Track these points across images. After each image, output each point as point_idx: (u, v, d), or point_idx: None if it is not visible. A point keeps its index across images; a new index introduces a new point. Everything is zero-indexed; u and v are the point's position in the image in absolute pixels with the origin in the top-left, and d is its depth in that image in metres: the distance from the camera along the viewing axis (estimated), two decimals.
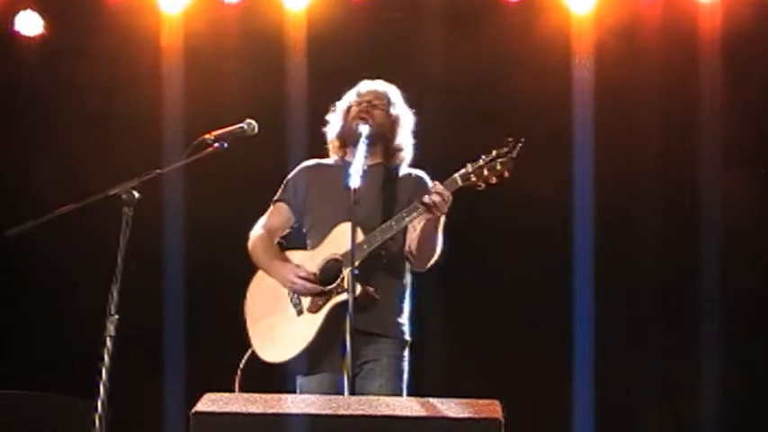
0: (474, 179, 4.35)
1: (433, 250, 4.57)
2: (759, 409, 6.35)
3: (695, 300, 6.35)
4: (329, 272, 4.53)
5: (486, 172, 4.33)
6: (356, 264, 4.27)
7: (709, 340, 6.29)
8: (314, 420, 3.46)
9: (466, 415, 3.46)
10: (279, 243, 4.78)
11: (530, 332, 6.37)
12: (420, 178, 4.73)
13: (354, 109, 4.72)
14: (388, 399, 3.75)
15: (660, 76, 6.43)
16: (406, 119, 4.81)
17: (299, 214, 4.78)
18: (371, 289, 4.45)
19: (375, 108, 4.72)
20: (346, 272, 4.39)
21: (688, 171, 6.42)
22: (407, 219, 4.44)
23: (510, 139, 4.33)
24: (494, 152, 4.36)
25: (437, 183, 4.41)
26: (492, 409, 3.49)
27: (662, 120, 6.44)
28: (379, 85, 4.83)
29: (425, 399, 3.59)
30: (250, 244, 4.77)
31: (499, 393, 3.61)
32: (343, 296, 4.41)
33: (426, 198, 4.35)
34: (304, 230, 4.77)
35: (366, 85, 4.82)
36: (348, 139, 4.72)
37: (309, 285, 4.53)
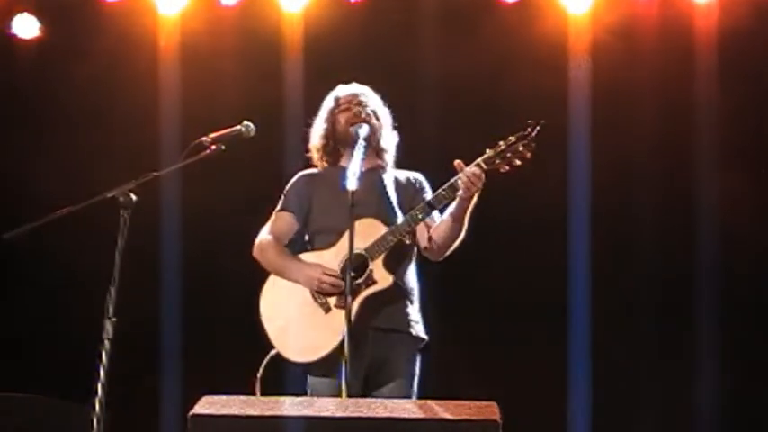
0: (498, 162, 4.39)
1: (457, 237, 4.60)
2: (757, 410, 6.34)
3: (693, 301, 6.34)
4: (353, 267, 4.53)
5: (509, 154, 4.39)
6: (383, 255, 4.42)
7: (706, 342, 6.29)
8: (311, 423, 3.46)
9: (463, 417, 3.47)
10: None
11: (527, 334, 6.37)
12: (420, 180, 4.79)
13: (344, 114, 4.74)
14: (386, 401, 3.75)
15: (657, 76, 6.43)
16: (386, 118, 4.84)
17: (302, 222, 4.79)
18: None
19: (364, 109, 4.74)
20: (373, 264, 4.44)
21: (685, 171, 6.42)
22: (434, 205, 4.49)
23: (530, 121, 4.37)
24: (512, 137, 4.40)
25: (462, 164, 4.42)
26: (490, 410, 3.50)
27: (659, 119, 6.44)
28: (356, 88, 4.85)
29: (423, 401, 3.60)
30: (258, 250, 4.77)
31: (497, 395, 3.61)
32: (373, 288, 4.45)
33: (462, 176, 4.38)
34: (306, 237, 4.78)
35: (343, 90, 4.84)
36: (341, 143, 4.73)
37: (338, 282, 4.52)
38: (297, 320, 4.60)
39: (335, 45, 6.50)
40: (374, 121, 4.74)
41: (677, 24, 6.40)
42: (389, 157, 4.83)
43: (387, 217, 4.56)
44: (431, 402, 3.57)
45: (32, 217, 4.03)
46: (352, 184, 4.18)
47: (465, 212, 4.51)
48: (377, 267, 4.45)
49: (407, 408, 3.57)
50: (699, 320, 6.31)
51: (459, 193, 4.42)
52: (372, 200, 4.57)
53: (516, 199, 6.27)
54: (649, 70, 6.42)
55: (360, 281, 4.49)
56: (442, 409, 3.51)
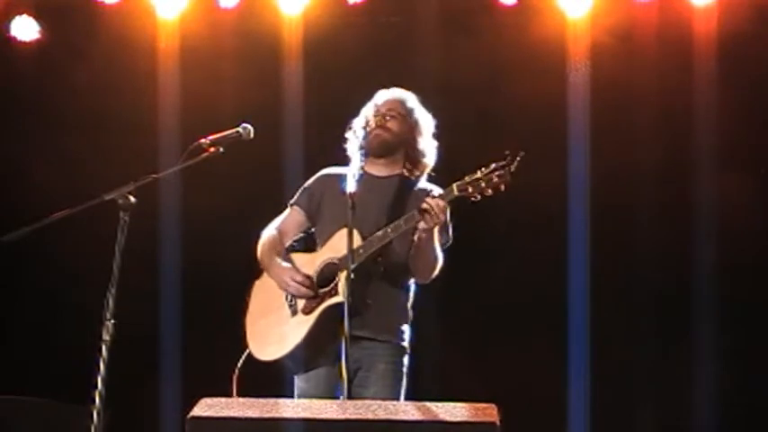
0: (471, 190, 4.36)
1: (431, 263, 4.57)
2: (755, 413, 6.35)
3: (691, 303, 6.35)
4: (326, 275, 4.56)
5: (482, 184, 4.35)
6: (352, 268, 4.28)
7: (704, 344, 6.29)
8: (311, 425, 3.46)
9: (463, 419, 3.46)
10: (291, 246, 4.80)
11: (526, 335, 6.37)
12: (433, 192, 4.66)
13: (372, 122, 4.71)
14: (385, 403, 3.75)
15: (656, 79, 6.43)
16: (425, 124, 4.81)
17: (312, 219, 4.79)
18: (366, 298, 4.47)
19: (392, 119, 4.72)
20: (341, 275, 4.41)
21: (684, 173, 6.42)
22: (404, 227, 4.45)
23: (508, 153, 4.34)
24: (492, 165, 4.37)
25: (432, 192, 4.41)
26: (489, 412, 3.49)
27: (658, 121, 6.44)
28: (395, 93, 4.82)
29: (422, 402, 3.60)
30: (259, 243, 4.79)
31: (496, 397, 3.61)
32: (336, 299, 4.44)
33: (422, 205, 4.36)
34: (315, 236, 4.78)
35: (382, 96, 4.82)
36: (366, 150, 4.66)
37: (303, 288, 4.55)
38: (267, 319, 4.64)
39: (334, 47, 6.50)
40: (399, 129, 4.70)
41: (676, 27, 6.40)
42: (428, 161, 4.78)
43: (382, 226, 4.53)
44: (430, 404, 3.56)
45: (31, 219, 4.03)
46: (350, 186, 4.19)
47: (428, 242, 4.47)
48: (343, 280, 4.39)
49: (407, 410, 3.57)
50: (698, 321, 6.32)
51: (421, 225, 4.39)
52: (373, 207, 4.56)
53: (516, 201, 6.25)
54: (648, 73, 6.42)
55: (325, 290, 4.52)
56: (442, 411, 3.50)
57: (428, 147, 4.80)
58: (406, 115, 4.76)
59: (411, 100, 4.83)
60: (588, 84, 6.36)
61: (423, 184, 4.77)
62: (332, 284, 4.50)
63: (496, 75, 6.47)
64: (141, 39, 6.62)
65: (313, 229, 4.80)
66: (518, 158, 4.32)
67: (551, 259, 6.36)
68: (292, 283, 4.57)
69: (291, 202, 4.84)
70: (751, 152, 6.49)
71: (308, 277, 4.58)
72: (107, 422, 3.76)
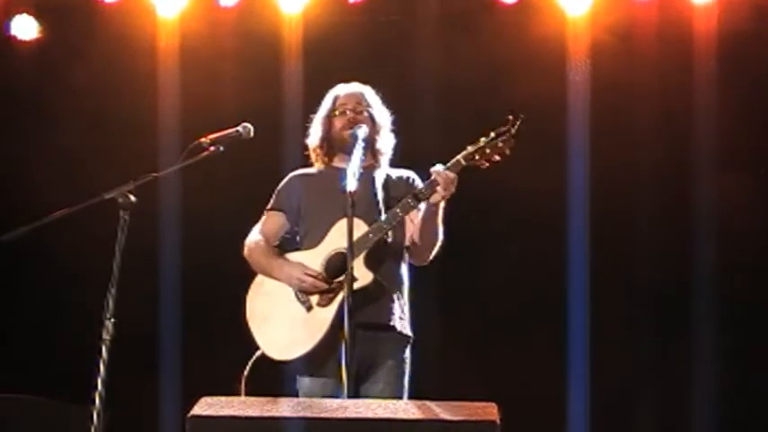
0: (477, 158, 4.43)
1: (434, 240, 4.61)
2: (755, 413, 6.34)
3: (691, 303, 6.34)
4: (334, 266, 4.55)
5: (488, 150, 4.43)
6: (363, 253, 4.37)
7: (704, 343, 6.28)
8: (310, 423, 3.45)
9: (462, 418, 3.46)
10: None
11: (526, 335, 6.37)
12: (412, 177, 4.79)
13: (339, 119, 4.76)
14: (384, 401, 3.75)
15: (656, 78, 6.43)
16: (385, 119, 4.86)
17: (293, 222, 4.80)
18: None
19: (360, 114, 4.77)
20: (356, 262, 4.38)
21: (684, 173, 6.42)
22: (412, 205, 4.48)
23: (510, 117, 4.39)
24: (492, 133, 4.44)
25: (440, 165, 4.43)
26: (488, 411, 3.49)
27: (658, 121, 6.44)
28: (356, 89, 4.87)
29: (422, 401, 3.60)
30: (247, 249, 4.79)
31: (496, 396, 3.61)
32: (354, 286, 4.42)
33: (434, 177, 4.39)
34: (298, 238, 4.78)
35: (343, 90, 4.86)
36: (336, 146, 4.76)
37: (318, 282, 4.55)
38: (279, 319, 4.61)
39: (334, 46, 6.50)
40: (370, 123, 4.76)
41: (676, 26, 6.39)
42: (385, 159, 4.85)
43: (375, 215, 4.56)
44: (430, 403, 3.56)
45: (31, 218, 4.02)
46: (351, 185, 4.15)
47: (433, 218, 4.52)
48: (357, 266, 4.38)
49: (407, 409, 3.57)
50: (698, 321, 6.31)
51: (434, 197, 4.43)
52: (363, 199, 4.56)
53: (516, 201, 6.27)
54: (648, 72, 6.42)
55: (340, 279, 4.51)
56: (441, 410, 3.50)
57: (388, 142, 4.85)
58: (371, 111, 4.81)
59: (371, 95, 4.87)
60: (588, 82, 6.36)
61: (395, 171, 4.82)
62: (346, 272, 4.49)
63: (496, 74, 6.46)
64: (141, 38, 6.62)
65: (289, 235, 4.80)
66: (519, 122, 4.37)
67: (551, 259, 6.36)
68: (308, 279, 4.55)
69: (268, 207, 4.86)
70: (751, 152, 6.49)
71: (319, 273, 4.58)
72: (107, 422, 3.76)
